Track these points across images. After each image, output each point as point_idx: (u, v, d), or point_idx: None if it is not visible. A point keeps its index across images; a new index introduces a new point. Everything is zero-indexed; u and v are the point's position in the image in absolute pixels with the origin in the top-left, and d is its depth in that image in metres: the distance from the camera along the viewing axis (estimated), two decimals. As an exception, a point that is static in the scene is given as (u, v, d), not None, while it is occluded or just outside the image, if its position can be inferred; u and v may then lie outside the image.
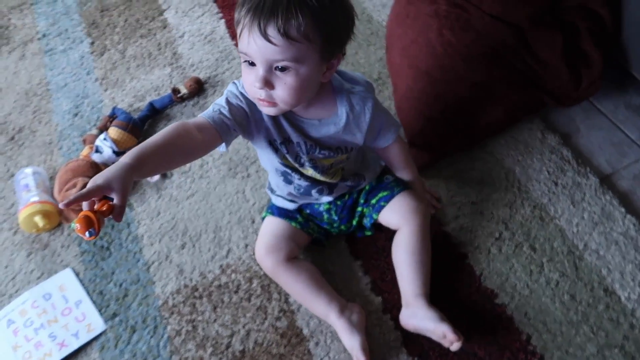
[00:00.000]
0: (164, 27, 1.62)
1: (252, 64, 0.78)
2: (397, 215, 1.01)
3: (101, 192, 0.69)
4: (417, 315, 0.94)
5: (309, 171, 0.98)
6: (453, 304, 0.99)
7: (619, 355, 0.91)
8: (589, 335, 0.94)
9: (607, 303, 0.96)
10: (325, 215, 1.07)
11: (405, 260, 0.98)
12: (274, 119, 0.89)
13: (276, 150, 0.93)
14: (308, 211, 1.07)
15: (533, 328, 0.95)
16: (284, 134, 0.91)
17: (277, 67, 0.77)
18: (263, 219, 1.09)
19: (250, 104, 0.86)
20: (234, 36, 1.55)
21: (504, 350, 0.94)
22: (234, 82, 0.89)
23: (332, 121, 0.90)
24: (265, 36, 0.73)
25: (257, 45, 0.74)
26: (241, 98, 0.86)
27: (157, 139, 0.78)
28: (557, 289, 0.99)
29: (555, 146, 1.16)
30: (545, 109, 1.21)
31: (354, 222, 1.07)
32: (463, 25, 1.12)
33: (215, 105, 0.86)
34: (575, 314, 0.96)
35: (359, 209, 1.07)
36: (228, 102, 0.86)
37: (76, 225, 0.67)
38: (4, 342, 1.07)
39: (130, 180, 0.72)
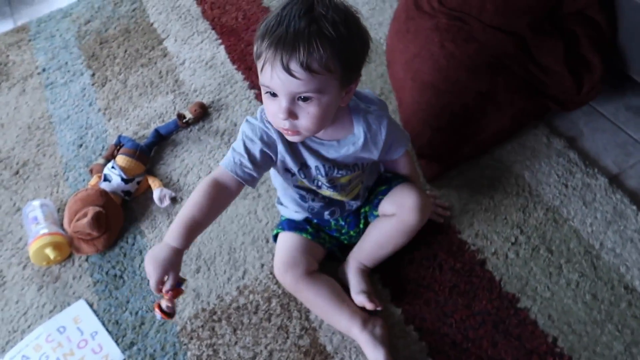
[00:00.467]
0: (164, 56, 1.64)
1: (273, 94, 0.80)
2: (394, 205, 1.01)
3: (163, 279, 0.84)
4: (348, 275, 1.03)
5: (327, 192, 0.99)
6: (475, 311, 0.99)
7: (646, 352, 0.91)
8: (614, 334, 0.93)
9: (629, 300, 0.96)
10: (333, 222, 1.07)
11: (375, 237, 1.03)
12: (292, 148, 0.91)
13: (292, 175, 0.95)
14: (316, 220, 1.08)
15: (558, 330, 0.95)
16: (301, 160, 0.93)
17: (300, 97, 0.78)
18: (275, 236, 1.09)
19: (268, 141, 0.88)
20: (234, 61, 1.57)
21: (531, 355, 0.93)
22: (247, 121, 0.90)
23: (351, 141, 0.92)
24: (288, 71, 0.75)
25: (280, 79, 0.76)
26: (257, 140, 0.88)
27: (203, 207, 0.85)
28: (578, 290, 0.99)
29: (562, 150, 1.18)
30: (549, 113, 1.23)
31: (362, 226, 1.07)
32: (465, 36, 1.15)
33: (235, 154, 0.88)
34: (598, 313, 0.96)
35: (362, 210, 1.07)
36: (247, 150, 0.88)
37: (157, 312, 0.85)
38: (19, 378, 1.04)
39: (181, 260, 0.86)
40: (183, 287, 0.88)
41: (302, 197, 1.02)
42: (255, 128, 0.89)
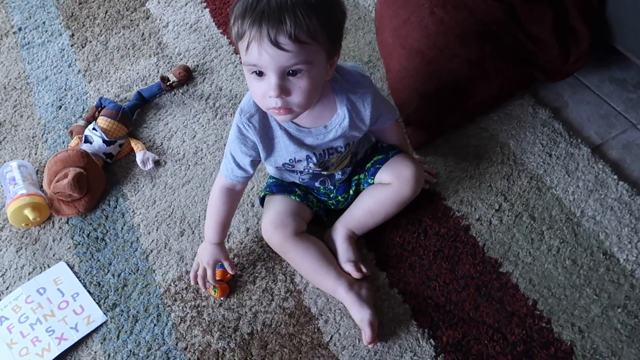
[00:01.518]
0: (147, 18, 1.59)
1: (260, 74, 0.78)
2: (391, 174, 1.02)
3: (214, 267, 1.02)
4: (336, 242, 1.03)
5: (312, 172, 1.01)
6: (458, 275, 1.00)
7: (622, 314, 0.93)
8: (592, 297, 0.96)
9: (607, 266, 0.99)
10: (321, 187, 1.07)
11: (367, 205, 1.04)
12: (280, 144, 0.92)
13: (282, 166, 0.97)
14: (303, 183, 1.07)
15: (538, 294, 0.97)
16: (289, 156, 0.94)
17: (289, 72, 0.77)
18: (262, 199, 1.08)
19: (253, 146, 0.92)
20: (219, 25, 1.53)
21: (512, 317, 0.95)
22: (238, 114, 0.91)
23: (337, 122, 0.91)
24: (277, 44, 0.73)
25: (269, 54, 0.74)
26: (248, 136, 0.91)
27: (223, 212, 1.00)
28: (559, 255, 1.01)
29: (547, 120, 1.19)
30: (535, 84, 1.24)
31: (352, 192, 1.07)
32: (455, 3, 1.14)
33: (228, 163, 0.96)
34: (577, 278, 0.98)
35: (355, 177, 1.07)
36: (236, 162, 0.95)
37: (217, 292, 1.02)
38: (-2, 339, 1.02)
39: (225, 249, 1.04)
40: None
41: (292, 172, 1.02)
42: (240, 134, 0.91)
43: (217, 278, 1.03)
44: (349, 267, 1.00)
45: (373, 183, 1.05)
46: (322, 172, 1.01)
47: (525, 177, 1.12)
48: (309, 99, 0.81)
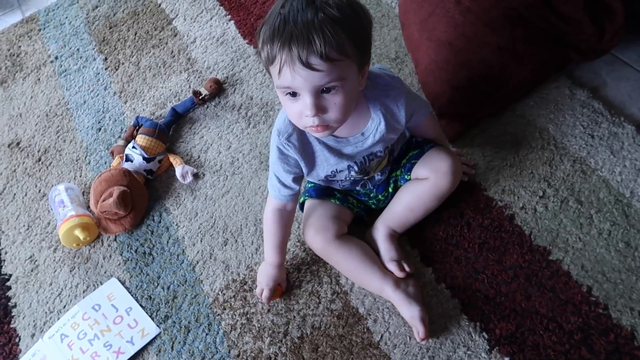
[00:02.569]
0: (175, 35, 1.63)
1: (294, 94, 0.78)
2: (428, 169, 1.01)
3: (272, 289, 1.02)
4: (378, 241, 1.03)
5: (354, 179, 1.01)
6: (506, 266, 0.98)
7: (683, 296, 0.89)
8: (650, 280, 0.92)
9: (663, 246, 0.95)
10: (362, 189, 1.07)
11: (407, 201, 1.03)
12: (321, 158, 0.93)
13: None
14: (344, 188, 1.07)
15: (592, 279, 0.94)
16: (331, 168, 0.95)
17: (323, 89, 0.77)
18: (302, 204, 1.09)
19: (295, 164, 0.93)
20: (245, 35, 1.56)
21: (566, 305, 0.93)
22: (277, 135, 0.91)
23: (374, 127, 0.91)
24: (308, 66, 0.73)
25: (302, 76, 0.74)
26: (289, 154, 0.92)
27: (278, 233, 1.00)
28: (610, 238, 0.98)
29: (586, 100, 1.16)
30: (569, 65, 1.21)
31: (391, 190, 1.07)
32: (480, -10, 1.12)
33: (275, 183, 0.96)
34: (633, 260, 0.95)
35: (392, 174, 1.07)
36: (281, 182, 0.95)
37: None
38: (60, 356, 1.06)
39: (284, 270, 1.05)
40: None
41: (332, 178, 1.02)
42: (281, 154, 0.92)
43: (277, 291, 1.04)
44: (392, 267, 0.99)
45: (410, 179, 1.04)
46: (363, 177, 1.01)
47: (568, 161, 1.08)
48: (345, 114, 0.81)
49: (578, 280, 0.95)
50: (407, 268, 0.99)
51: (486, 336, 0.92)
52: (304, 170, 0.94)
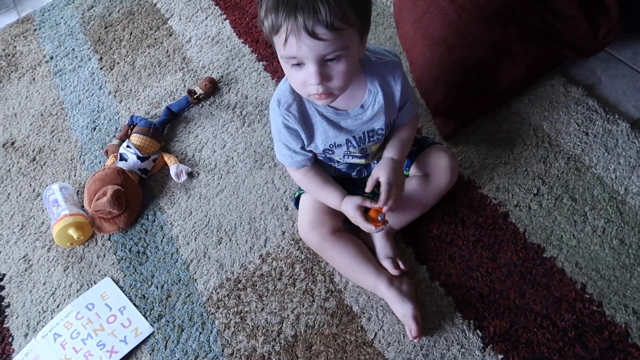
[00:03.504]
0: (170, 35, 1.63)
1: (299, 64, 0.78)
2: (427, 166, 1.01)
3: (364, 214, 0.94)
4: (374, 238, 1.03)
5: (355, 161, 1.00)
6: (500, 264, 0.98)
7: (678, 293, 0.89)
8: (644, 277, 0.92)
9: (657, 243, 0.95)
10: (358, 178, 1.06)
11: (405, 197, 0.99)
12: (320, 129, 0.92)
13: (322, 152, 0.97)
14: (339, 175, 1.06)
15: (586, 277, 0.94)
16: (330, 141, 0.94)
17: (328, 58, 0.77)
18: (297, 199, 1.09)
19: (301, 122, 0.91)
20: (240, 35, 1.55)
21: (560, 302, 0.92)
22: (276, 105, 0.91)
23: (372, 98, 0.91)
24: (314, 35, 0.73)
25: (308, 46, 0.74)
26: (290, 125, 0.91)
27: (319, 182, 0.98)
28: (605, 236, 0.98)
29: (580, 98, 1.16)
30: (564, 63, 1.20)
31: None
32: (474, -13, 1.12)
33: (284, 148, 0.95)
34: (627, 258, 0.94)
35: None
36: (290, 135, 0.93)
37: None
38: (53, 356, 1.05)
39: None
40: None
41: (330, 161, 1.01)
42: (283, 125, 0.91)
43: (373, 217, 0.93)
44: (387, 264, 0.99)
45: (408, 175, 1.04)
46: (361, 161, 1.00)
47: (563, 159, 1.08)
48: (347, 81, 0.81)
49: (572, 277, 0.95)
50: (402, 266, 0.99)
51: (480, 334, 0.92)
52: (305, 141, 0.93)
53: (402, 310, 0.93)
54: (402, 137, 0.98)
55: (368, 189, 0.95)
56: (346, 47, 0.76)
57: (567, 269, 0.96)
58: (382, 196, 0.91)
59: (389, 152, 0.97)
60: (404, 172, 1.03)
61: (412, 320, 0.91)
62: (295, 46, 0.74)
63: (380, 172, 0.94)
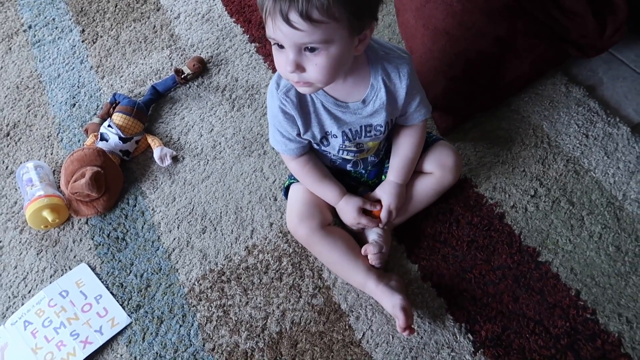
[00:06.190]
0: (157, 10, 1.55)
1: (280, 46, 0.75)
2: (433, 164, 0.98)
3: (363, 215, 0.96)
4: (371, 234, 0.98)
5: (350, 156, 0.96)
6: (495, 266, 0.96)
7: (672, 303, 0.88)
8: (639, 286, 0.90)
9: (654, 252, 0.93)
10: (352, 170, 1.02)
11: (411, 196, 0.99)
12: (318, 116, 0.88)
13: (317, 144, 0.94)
14: (334, 165, 1.02)
15: (581, 283, 0.92)
16: (325, 130, 0.90)
17: (307, 47, 0.73)
18: (286, 188, 1.04)
19: (298, 108, 0.87)
20: (232, 14, 1.49)
21: (554, 308, 0.90)
22: (275, 89, 0.87)
23: (374, 94, 0.87)
24: (288, 22, 0.69)
25: (283, 31, 0.71)
26: (287, 111, 0.87)
27: (316, 175, 0.96)
28: (601, 242, 0.96)
29: (581, 99, 1.13)
30: (567, 62, 1.17)
31: (383, 177, 1.02)
32: (481, -22, 1.07)
33: (278, 135, 0.92)
34: (623, 265, 0.93)
35: (388, 164, 1.02)
36: (286, 121, 0.89)
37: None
38: (22, 345, 1.00)
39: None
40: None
41: (325, 151, 0.97)
42: (279, 109, 0.87)
43: (374, 217, 0.96)
44: (370, 248, 0.94)
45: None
46: (356, 155, 0.96)
47: (562, 160, 1.06)
48: (327, 76, 0.77)
49: (567, 283, 0.92)
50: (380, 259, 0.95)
51: (471, 338, 0.90)
52: (301, 128, 0.89)
53: (391, 302, 0.89)
54: (409, 158, 0.96)
55: (368, 207, 0.96)
56: (327, 41, 0.72)
57: (561, 274, 0.93)
58: (383, 220, 0.95)
59: (394, 176, 0.96)
60: None
61: (400, 311, 0.87)
62: (272, 29, 0.72)
63: (383, 196, 0.96)
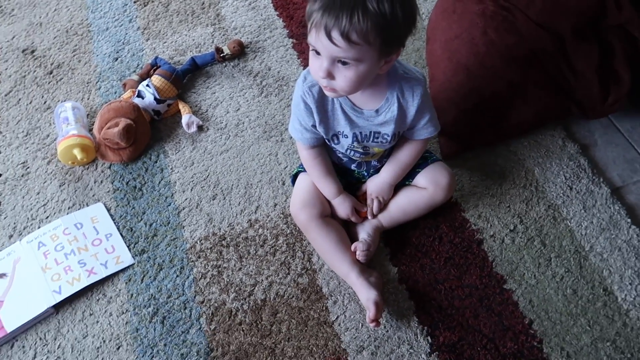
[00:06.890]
0: (210, -12, 1.65)
1: (317, 53, 0.85)
2: (428, 180, 1.09)
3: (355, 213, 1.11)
4: (365, 227, 1.10)
5: (355, 157, 1.07)
6: (464, 284, 1.07)
7: (610, 348, 0.99)
8: (585, 327, 1.02)
9: (605, 301, 1.04)
10: (356, 171, 1.13)
11: (402, 203, 1.11)
12: (335, 115, 0.99)
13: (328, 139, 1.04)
14: (340, 162, 1.12)
15: (535, 314, 1.03)
16: (336, 129, 1.01)
17: (340, 60, 0.84)
18: (295, 175, 1.15)
19: (318, 104, 0.97)
20: (277, 7, 1.59)
21: (507, 331, 1.01)
22: (302, 80, 0.97)
23: (387, 107, 0.97)
24: (329, 38, 0.80)
25: (323, 43, 0.82)
26: (307, 102, 0.97)
27: (321, 169, 1.07)
28: (562, 283, 1.07)
29: (574, 154, 1.24)
30: (569, 118, 1.29)
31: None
32: (508, 27, 1.18)
33: (297, 123, 1.02)
34: (575, 307, 1.04)
35: None
36: (305, 111, 0.99)
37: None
38: (34, 262, 1.11)
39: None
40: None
41: (334, 149, 1.08)
42: (301, 99, 0.97)
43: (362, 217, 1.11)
44: (360, 246, 1.06)
45: (409, 184, 1.12)
46: (361, 157, 1.07)
47: (544, 205, 1.17)
48: (352, 87, 0.88)
49: (523, 312, 1.04)
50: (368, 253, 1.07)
51: (430, 340, 1.01)
52: (316, 121, 1.00)
53: (367, 295, 1.00)
54: (404, 163, 1.08)
55: (359, 208, 1.12)
56: (358, 59, 0.83)
57: (520, 304, 1.05)
58: (375, 210, 1.10)
59: (387, 175, 1.10)
60: (406, 182, 1.12)
61: (373, 304, 0.98)
62: (315, 38, 0.83)
63: (373, 189, 1.11)
